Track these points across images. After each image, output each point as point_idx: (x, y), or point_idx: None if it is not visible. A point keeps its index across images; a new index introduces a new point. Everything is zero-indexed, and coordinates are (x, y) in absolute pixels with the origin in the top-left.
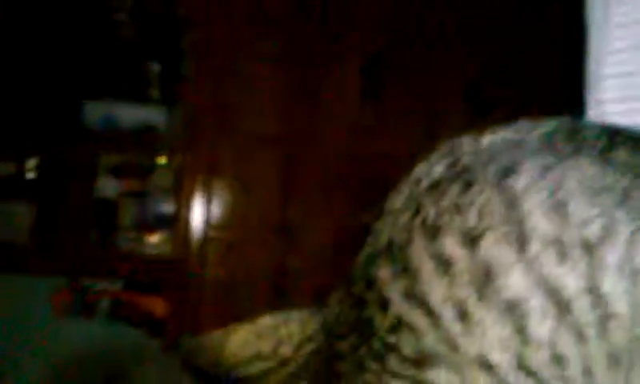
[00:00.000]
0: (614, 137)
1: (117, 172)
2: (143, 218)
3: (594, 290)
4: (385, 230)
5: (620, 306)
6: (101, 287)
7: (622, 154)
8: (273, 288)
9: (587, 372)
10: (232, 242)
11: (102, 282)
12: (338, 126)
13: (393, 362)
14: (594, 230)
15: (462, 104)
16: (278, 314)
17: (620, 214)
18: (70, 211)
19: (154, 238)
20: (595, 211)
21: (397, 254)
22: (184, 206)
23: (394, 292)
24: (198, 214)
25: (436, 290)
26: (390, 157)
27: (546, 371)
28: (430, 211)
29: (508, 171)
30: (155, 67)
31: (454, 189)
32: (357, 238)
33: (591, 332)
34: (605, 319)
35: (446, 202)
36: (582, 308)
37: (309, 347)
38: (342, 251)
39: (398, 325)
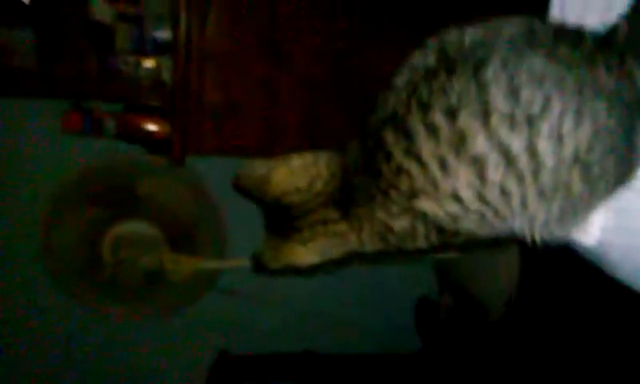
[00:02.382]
0: (559, 36)
1: None
2: (139, 42)
3: (532, 149)
4: (390, 102)
5: (548, 159)
6: (104, 110)
7: (562, 51)
8: (267, 107)
9: (524, 202)
10: (227, 63)
11: (104, 105)
12: None
13: (394, 195)
14: (535, 109)
15: None
16: (307, 154)
17: (554, 97)
18: (67, 35)
19: (151, 63)
20: (538, 94)
21: (399, 122)
22: (179, 32)
23: (397, 149)
24: (193, 40)
25: (426, 147)
26: None
27: (497, 201)
28: (424, 91)
29: (480, 64)
30: None
31: (442, 75)
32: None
33: (528, 176)
34: (537, 167)
35: (435, 85)
36: (523, 161)
37: (334, 183)
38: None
39: (398, 171)
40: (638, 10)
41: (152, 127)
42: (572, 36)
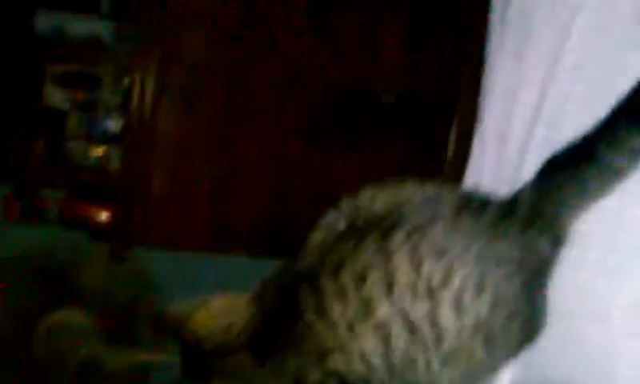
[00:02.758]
0: (463, 206)
1: (64, 81)
2: (91, 130)
3: (433, 318)
4: (307, 259)
5: (449, 328)
6: (48, 196)
7: (464, 222)
8: (214, 202)
9: (428, 368)
10: (175, 156)
11: (49, 191)
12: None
13: (305, 351)
14: (435, 281)
15: None
16: (228, 299)
17: (455, 269)
18: (18, 119)
19: (100, 151)
20: (438, 267)
21: (313, 280)
22: (133, 123)
23: (309, 307)
24: (144, 132)
25: (336, 309)
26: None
27: (402, 365)
28: (334, 256)
29: (387, 232)
30: None
31: (351, 242)
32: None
33: (431, 344)
34: (439, 336)
35: (344, 252)
36: (425, 329)
37: (250, 329)
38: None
39: (309, 328)
40: (541, 182)
41: (96, 215)
42: (476, 206)
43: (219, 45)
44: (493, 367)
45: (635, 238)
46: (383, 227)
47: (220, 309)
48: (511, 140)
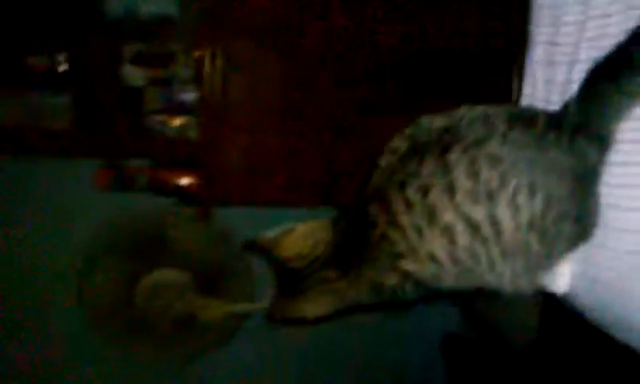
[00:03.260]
0: (512, 120)
1: (139, 60)
2: (168, 103)
3: (492, 218)
4: (375, 180)
5: (507, 226)
6: (136, 165)
7: (514, 134)
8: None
9: (490, 261)
10: (248, 122)
11: (136, 162)
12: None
13: (381, 258)
14: (492, 185)
15: None
16: (310, 224)
17: (509, 175)
18: (101, 99)
19: (178, 122)
20: (494, 174)
21: (382, 197)
22: (206, 94)
23: (381, 220)
24: (217, 101)
25: (404, 218)
26: None
27: (468, 261)
28: (400, 172)
29: (445, 149)
30: None
31: (414, 159)
32: None
33: (491, 240)
34: (498, 232)
35: (409, 168)
36: (486, 227)
37: (331, 247)
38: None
39: (382, 237)
40: (585, 93)
41: (180, 180)
42: (524, 119)
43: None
44: (549, 260)
45: None
46: (442, 144)
47: (303, 233)
48: (559, 63)
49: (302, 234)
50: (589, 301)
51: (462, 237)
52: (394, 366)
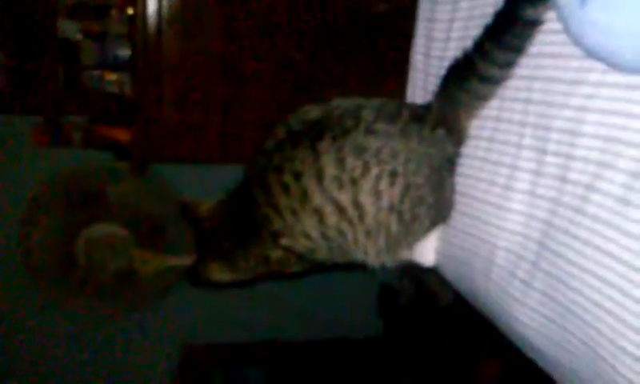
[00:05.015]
0: (379, 113)
1: (75, 13)
2: (104, 58)
3: (356, 202)
4: (258, 162)
5: (369, 209)
6: (72, 121)
7: (380, 126)
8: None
9: (356, 239)
10: (183, 79)
11: (72, 117)
12: None
13: (264, 236)
14: (356, 173)
15: None
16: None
17: (371, 164)
18: (36, 53)
19: (114, 77)
20: (358, 162)
21: (263, 180)
22: (138, 50)
23: (262, 200)
24: (150, 58)
25: (281, 200)
26: None
27: (336, 239)
28: (277, 158)
29: (316, 138)
30: None
31: (288, 146)
32: None
33: (355, 221)
34: (361, 215)
35: (285, 154)
36: (350, 210)
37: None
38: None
39: (264, 218)
40: (443, 89)
41: (116, 136)
42: (390, 111)
43: None
44: (407, 239)
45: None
46: (313, 133)
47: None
48: (434, 56)
49: (210, 205)
50: (450, 274)
51: (331, 218)
52: (329, 313)
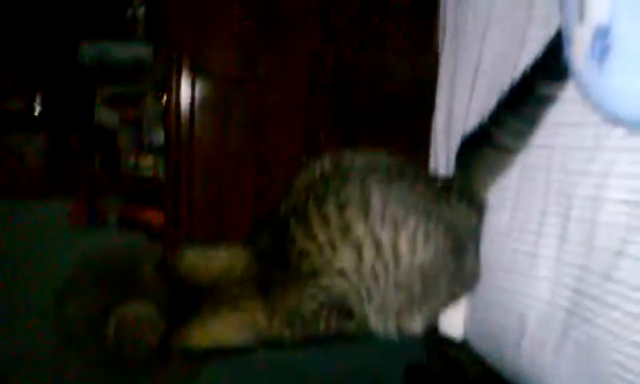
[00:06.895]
0: (418, 174)
1: (113, 103)
2: (139, 143)
3: (394, 243)
4: (291, 199)
5: (405, 258)
6: (108, 204)
7: (419, 186)
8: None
9: (387, 286)
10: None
11: (108, 200)
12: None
13: (300, 276)
14: (399, 217)
15: None
16: (223, 249)
17: (412, 214)
18: (75, 140)
19: (149, 161)
20: (400, 210)
21: (299, 213)
22: (172, 135)
23: (299, 234)
24: (183, 142)
25: (321, 232)
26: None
27: (368, 279)
28: (320, 189)
29: (365, 177)
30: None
31: (337, 179)
32: None
33: (390, 266)
34: (397, 261)
35: (331, 186)
36: (387, 250)
37: (250, 271)
38: None
39: (300, 254)
40: (459, 162)
41: (150, 218)
42: (427, 176)
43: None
44: (422, 308)
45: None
46: (364, 171)
47: (221, 258)
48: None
49: (219, 260)
50: (478, 346)
51: (368, 253)
52: None
